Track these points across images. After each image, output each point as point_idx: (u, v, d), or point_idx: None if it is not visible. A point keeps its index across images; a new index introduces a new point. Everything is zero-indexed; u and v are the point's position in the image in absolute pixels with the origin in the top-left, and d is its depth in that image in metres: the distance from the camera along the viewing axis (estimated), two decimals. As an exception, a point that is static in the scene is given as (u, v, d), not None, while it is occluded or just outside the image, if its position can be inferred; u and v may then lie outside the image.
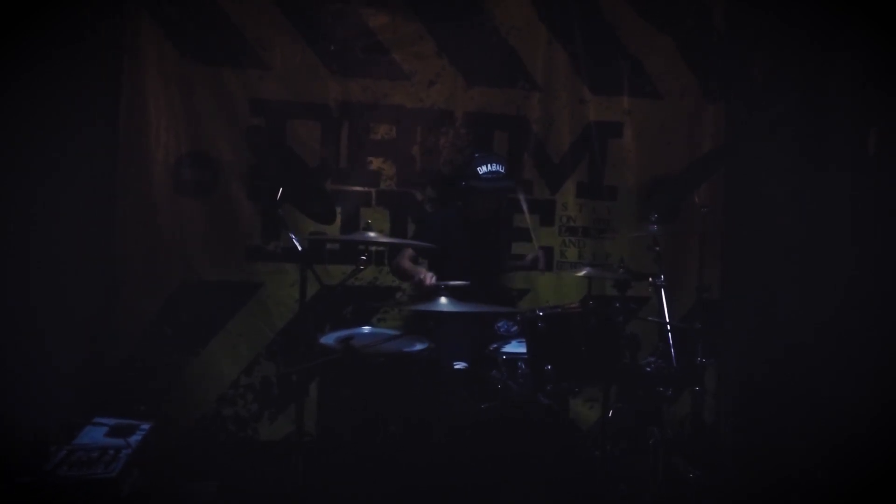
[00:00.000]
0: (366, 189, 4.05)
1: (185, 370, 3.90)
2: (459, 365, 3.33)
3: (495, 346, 3.47)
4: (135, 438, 3.05)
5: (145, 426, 3.15)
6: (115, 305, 3.84)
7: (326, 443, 3.14)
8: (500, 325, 3.63)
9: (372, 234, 2.97)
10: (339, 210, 3.96)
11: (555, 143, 4.20)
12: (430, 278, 3.36)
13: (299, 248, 2.90)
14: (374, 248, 4.00)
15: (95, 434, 3.07)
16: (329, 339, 3.25)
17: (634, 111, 4.24)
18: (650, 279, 3.56)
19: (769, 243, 4.18)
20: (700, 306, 3.85)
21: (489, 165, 3.59)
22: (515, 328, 3.61)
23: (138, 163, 3.85)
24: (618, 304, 3.30)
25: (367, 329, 3.45)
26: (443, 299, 2.83)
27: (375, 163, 4.07)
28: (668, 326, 3.31)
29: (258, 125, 3.92)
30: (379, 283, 4.11)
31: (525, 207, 3.73)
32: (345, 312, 4.02)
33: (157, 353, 3.86)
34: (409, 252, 3.67)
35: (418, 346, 3.21)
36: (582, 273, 3.42)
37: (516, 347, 3.40)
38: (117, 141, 3.80)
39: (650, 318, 3.50)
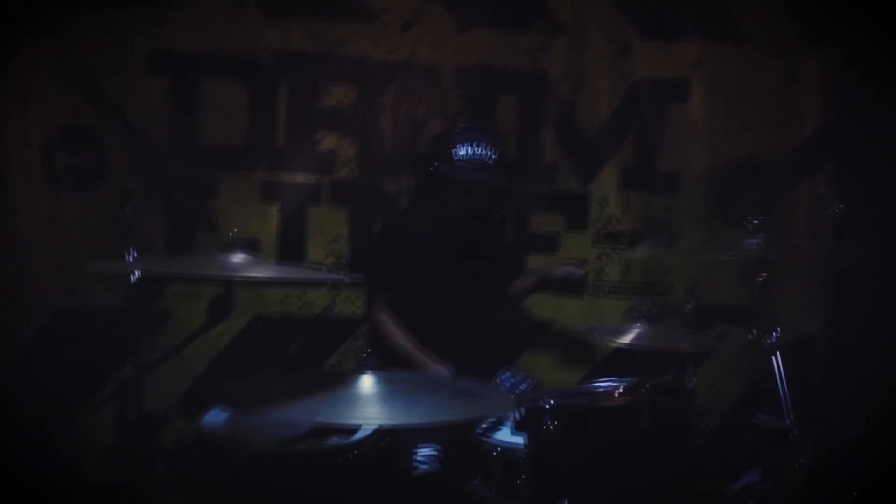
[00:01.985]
0: (314, 178, 3.36)
1: (67, 431, 3.24)
2: (426, 451, 2.42)
3: (485, 426, 2.40)
4: None
5: None
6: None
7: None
8: (503, 377, 2.91)
9: (238, 258, 1.81)
10: (277, 209, 3.30)
11: (588, 110, 3.47)
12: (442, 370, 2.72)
13: (132, 278, 1.80)
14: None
15: None
16: (217, 417, 2.21)
17: (706, 62, 3.41)
18: (751, 332, 2.32)
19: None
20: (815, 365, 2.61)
21: (472, 147, 2.80)
22: (526, 384, 2.85)
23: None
24: (692, 381, 2.05)
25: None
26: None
27: (328, 140, 3.37)
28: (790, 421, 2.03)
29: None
30: (336, 311, 3.41)
31: None
32: (288, 352, 3.38)
33: (23, 408, 3.17)
34: (384, 300, 2.95)
35: (358, 434, 2.13)
36: (635, 333, 2.28)
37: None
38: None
39: (759, 416, 2.21)
